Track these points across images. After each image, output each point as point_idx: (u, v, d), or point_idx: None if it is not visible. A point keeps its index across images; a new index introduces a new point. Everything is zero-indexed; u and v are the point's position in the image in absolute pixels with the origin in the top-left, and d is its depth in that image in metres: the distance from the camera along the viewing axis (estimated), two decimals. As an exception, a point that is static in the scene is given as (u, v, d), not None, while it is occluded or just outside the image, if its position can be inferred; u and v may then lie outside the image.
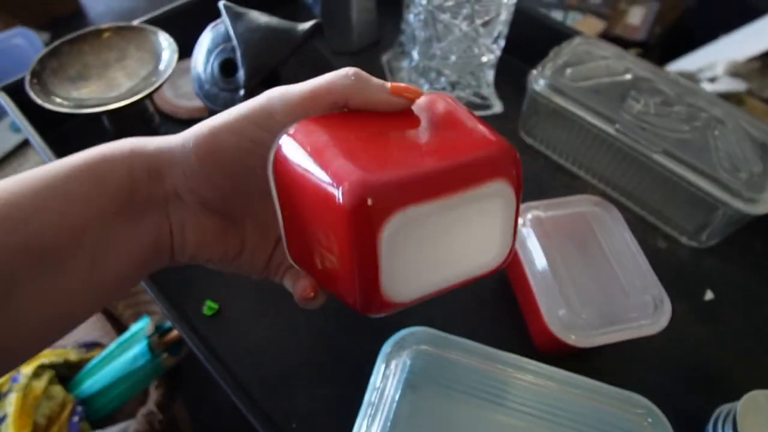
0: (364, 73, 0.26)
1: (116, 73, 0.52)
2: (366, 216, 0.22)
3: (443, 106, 0.27)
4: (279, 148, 0.26)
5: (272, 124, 0.26)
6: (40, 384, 0.80)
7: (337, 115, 0.26)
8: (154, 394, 0.82)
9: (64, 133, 0.61)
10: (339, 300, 0.26)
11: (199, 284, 0.49)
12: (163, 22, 0.61)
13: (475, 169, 0.24)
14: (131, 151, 0.26)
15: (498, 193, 0.25)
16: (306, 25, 0.44)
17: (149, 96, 0.51)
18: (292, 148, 0.25)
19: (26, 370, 0.81)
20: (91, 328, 0.99)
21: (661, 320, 0.39)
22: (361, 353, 0.45)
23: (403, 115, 0.27)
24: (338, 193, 0.22)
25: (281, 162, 0.25)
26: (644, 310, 0.39)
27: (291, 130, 0.25)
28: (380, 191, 0.21)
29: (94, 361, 0.88)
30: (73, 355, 0.89)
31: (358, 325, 0.47)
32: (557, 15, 1.55)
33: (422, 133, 0.26)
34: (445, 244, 0.25)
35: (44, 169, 0.25)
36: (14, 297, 0.23)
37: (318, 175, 0.23)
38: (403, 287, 0.24)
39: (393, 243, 0.22)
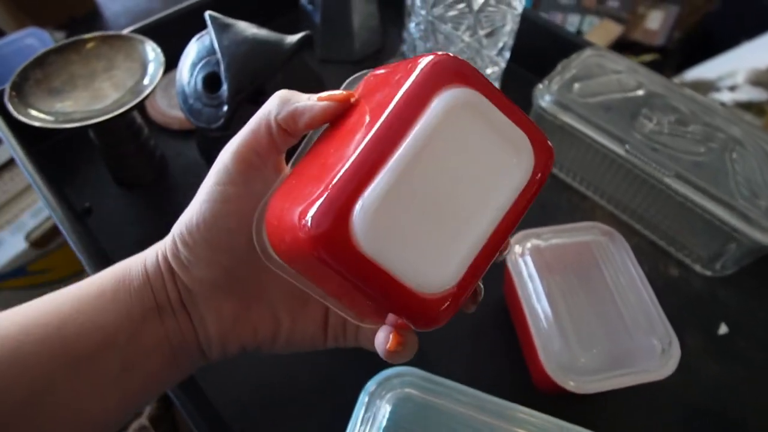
0: (288, 96, 0.25)
1: (103, 83, 0.50)
2: (329, 244, 0.19)
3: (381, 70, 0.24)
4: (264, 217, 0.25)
5: (229, 179, 0.26)
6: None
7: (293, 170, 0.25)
8: (149, 407, 0.80)
9: (52, 145, 0.59)
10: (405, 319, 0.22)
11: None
12: (157, 29, 0.59)
13: (401, 108, 0.20)
14: (143, 257, 0.28)
15: (451, 104, 0.20)
16: (294, 38, 0.42)
17: (136, 108, 0.49)
18: (267, 215, 0.24)
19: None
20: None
21: (668, 364, 0.36)
22: (351, 385, 0.42)
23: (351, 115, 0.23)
24: (299, 244, 0.20)
25: (266, 226, 0.25)
26: (650, 353, 0.36)
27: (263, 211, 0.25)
28: (321, 214, 0.19)
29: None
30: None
31: (346, 352, 0.44)
32: (574, 18, 1.51)
33: (361, 117, 0.22)
34: (442, 195, 0.20)
35: (77, 284, 0.27)
36: (49, 397, 0.24)
37: (283, 236, 0.22)
38: (435, 271, 0.20)
39: (379, 242, 0.19)
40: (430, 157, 0.20)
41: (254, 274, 0.28)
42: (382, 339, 0.23)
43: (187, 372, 0.30)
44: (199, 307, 0.28)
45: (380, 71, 0.24)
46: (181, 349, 0.28)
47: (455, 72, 0.20)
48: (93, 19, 2.11)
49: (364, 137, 0.20)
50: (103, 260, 0.43)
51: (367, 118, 0.21)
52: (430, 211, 0.20)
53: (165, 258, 0.28)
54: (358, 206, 0.19)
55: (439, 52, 0.21)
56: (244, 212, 0.26)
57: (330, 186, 0.19)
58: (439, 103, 0.20)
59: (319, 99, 0.23)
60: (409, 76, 0.20)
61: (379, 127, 0.20)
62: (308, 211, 0.19)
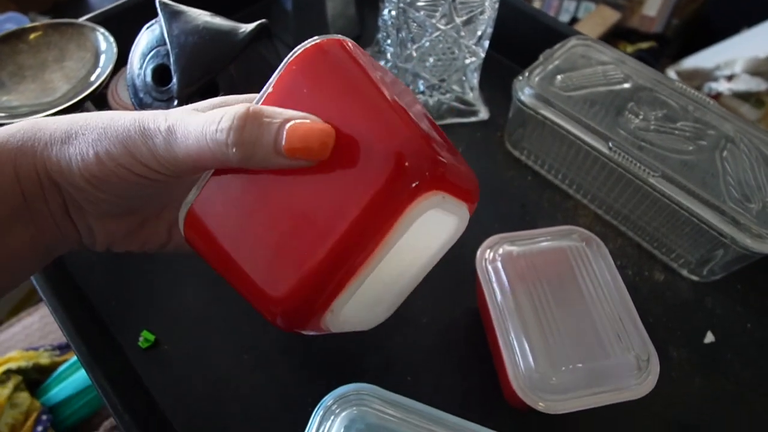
0: (247, 136, 0.21)
1: (53, 74, 0.47)
2: (295, 328, 0.23)
3: (321, 78, 0.22)
4: (186, 225, 0.24)
5: (161, 168, 0.23)
6: (5, 391, 0.77)
7: (233, 175, 0.23)
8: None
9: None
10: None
11: (137, 312, 0.44)
12: (117, 17, 0.56)
13: (377, 216, 0.20)
14: (18, 149, 0.24)
15: (420, 211, 0.20)
16: (249, 27, 0.39)
17: (89, 100, 0.46)
18: (201, 234, 0.24)
19: (-9, 376, 0.78)
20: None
21: (647, 382, 0.33)
22: (310, 398, 0.40)
23: None
24: (267, 315, 0.23)
25: (195, 243, 0.24)
26: (628, 370, 0.33)
27: (194, 207, 0.24)
28: (296, 318, 0.22)
29: (64, 366, 0.84)
30: (44, 359, 0.86)
31: (309, 363, 0.42)
32: (570, 4, 1.47)
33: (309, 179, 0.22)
34: (393, 273, 0.23)
35: None
36: None
37: (240, 286, 0.23)
38: (371, 320, 0.26)
39: (335, 321, 0.23)
40: (394, 253, 0.21)
41: (156, 197, 0.27)
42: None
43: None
44: (86, 220, 0.26)
45: (331, 77, 0.21)
46: (59, 246, 0.27)
47: (427, 172, 0.20)
48: (77, 3, 2.05)
49: (333, 228, 0.20)
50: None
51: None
52: (381, 287, 0.24)
53: (46, 171, 0.24)
54: (330, 312, 0.22)
55: (408, 134, 0.20)
56: (159, 183, 0.24)
57: (305, 286, 0.21)
58: (411, 214, 0.20)
59: (291, 154, 0.20)
60: (381, 175, 0.19)
61: (350, 229, 0.20)
62: (281, 304, 0.22)
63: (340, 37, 0.23)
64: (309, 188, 0.21)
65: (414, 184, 0.19)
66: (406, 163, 0.19)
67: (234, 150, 0.21)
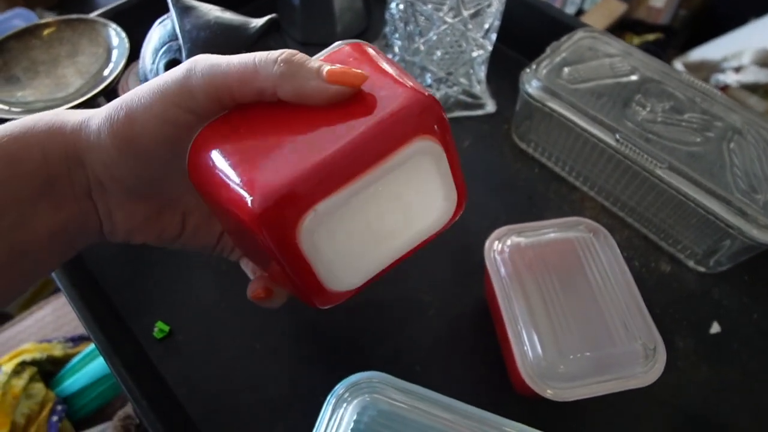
0: (297, 59, 0.23)
1: (66, 70, 0.48)
2: (274, 228, 0.21)
3: (354, 58, 0.25)
4: (190, 153, 0.24)
5: (194, 105, 0.24)
6: (21, 382, 0.78)
7: (248, 110, 0.24)
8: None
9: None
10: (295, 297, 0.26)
11: (151, 303, 0.45)
12: (128, 12, 0.56)
13: (383, 137, 0.22)
14: (47, 132, 0.25)
15: (420, 151, 0.23)
16: (260, 22, 0.39)
17: (103, 95, 0.46)
18: (201, 157, 0.24)
19: (6, 367, 0.79)
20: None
21: (653, 370, 0.34)
22: (321, 387, 0.41)
23: None
24: (243, 214, 0.21)
25: (195, 168, 0.24)
26: (634, 359, 0.34)
27: (199, 134, 0.24)
28: (279, 201, 0.21)
29: (77, 358, 0.86)
30: (57, 350, 0.87)
31: (319, 353, 0.43)
32: (575, -5, 1.46)
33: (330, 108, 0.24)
34: (377, 219, 0.24)
35: None
36: None
37: (224, 194, 0.22)
38: (346, 275, 0.24)
39: (316, 241, 0.22)
40: (385, 187, 0.23)
41: (176, 182, 0.28)
42: (254, 287, 0.28)
43: (83, 247, 0.29)
44: (108, 201, 0.27)
45: (363, 59, 0.25)
46: (80, 235, 0.27)
47: (435, 122, 0.23)
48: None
49: (339, 139, 0.21)
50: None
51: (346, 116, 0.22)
52: (363, 229, 0.23)
53: (75, 151, 0.25)
54: (314, 212, 0.21)
55: (427, 93, 0.23)
56: (189, 137, 0.25)
57: (296, 177, 0.21)
58: (413, 148, 0.22)
59: (330, 77, 0.23)
60: (396, 104, 0.22)
61: (357, 139, 0.21)
62: (266, 193, 0.21)
63: (361, 42, 0.26)
64: (323, 117, 0.23)
65: (422, 123, 0.22)
66: (419, 110, 0.22)
67: (282, 64, 0.23)
